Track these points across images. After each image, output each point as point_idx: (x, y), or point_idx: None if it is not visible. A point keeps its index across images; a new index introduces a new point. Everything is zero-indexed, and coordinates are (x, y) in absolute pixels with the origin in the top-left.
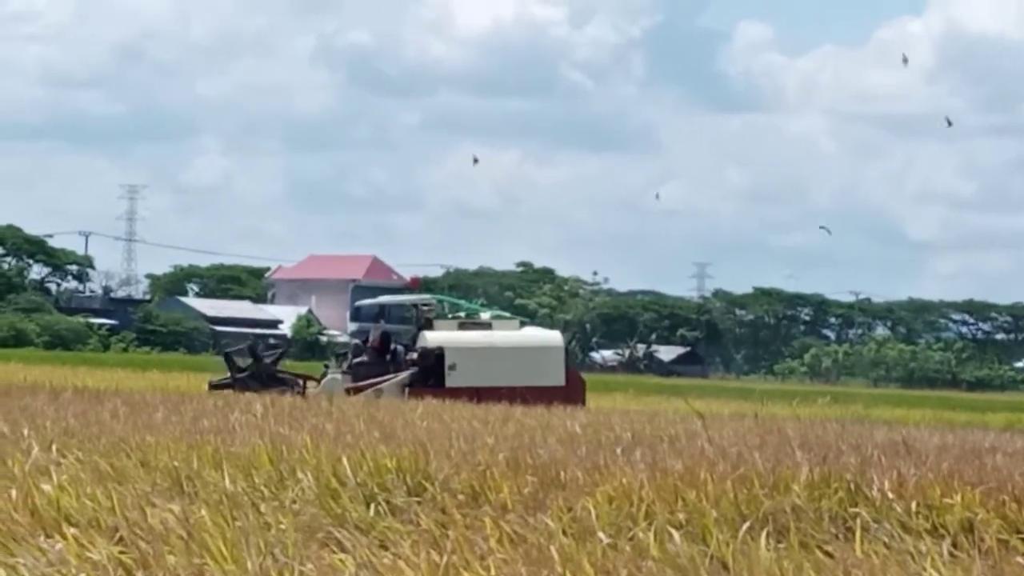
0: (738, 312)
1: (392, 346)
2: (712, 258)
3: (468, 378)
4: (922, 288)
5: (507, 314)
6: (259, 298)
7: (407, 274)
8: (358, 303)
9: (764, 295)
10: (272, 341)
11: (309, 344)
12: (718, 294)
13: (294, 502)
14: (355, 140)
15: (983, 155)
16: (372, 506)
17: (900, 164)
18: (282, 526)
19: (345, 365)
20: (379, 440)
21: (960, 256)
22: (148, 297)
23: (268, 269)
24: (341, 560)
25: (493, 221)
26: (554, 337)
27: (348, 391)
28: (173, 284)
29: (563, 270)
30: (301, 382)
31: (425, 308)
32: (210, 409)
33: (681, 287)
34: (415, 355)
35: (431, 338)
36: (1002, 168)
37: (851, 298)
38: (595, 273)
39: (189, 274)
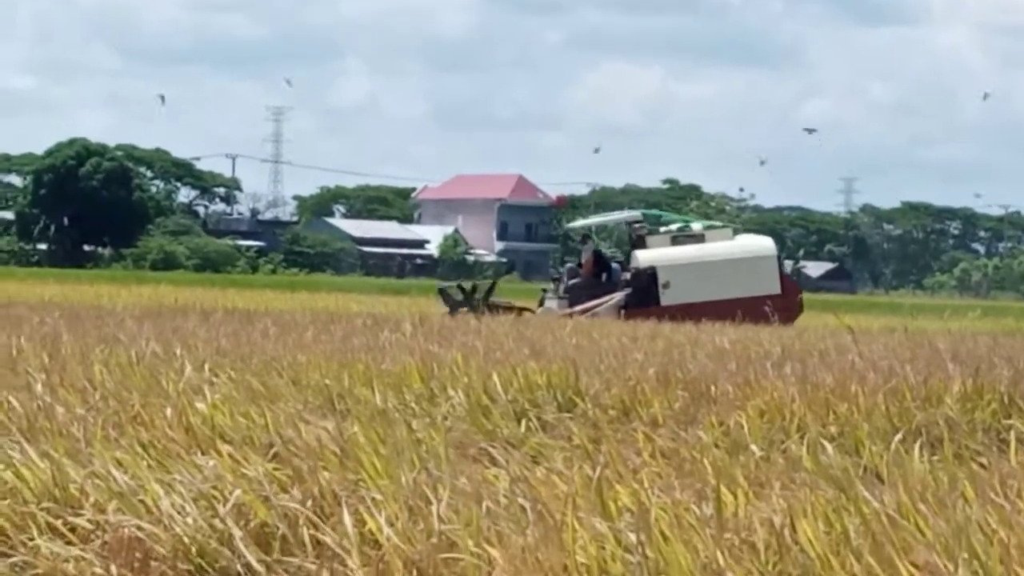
0: (886, 227)
1: (606, 266)
2: (859, 173)
3: (682, 295)
4: None
5: (719, 223)
6: (405, 218)
7: (553, 193)
8: (569, 225)
9: (912, 209)
10: (418, 261)
11: (456, 264)
12: (865, 209)
13: (445, 418)
14: (498, 60)
15: None
16: (523, 422)
17: None
18: (434, 442)
19: (561, 289)
20: (529, 357)
21: None
22: (295, 219)
23: (414, 189)
24: (495, 475)
25: (638, 139)
26: (767, 245)
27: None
28: (320, 205)
29: (709, 187)
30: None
31: (636, 225)
32: (360, 328)
33: (828, 203)
34: (628, 275)
35: (642, 257)
36: None
37: (1000, 211)
38: (741, 189)
39: (335, 195)
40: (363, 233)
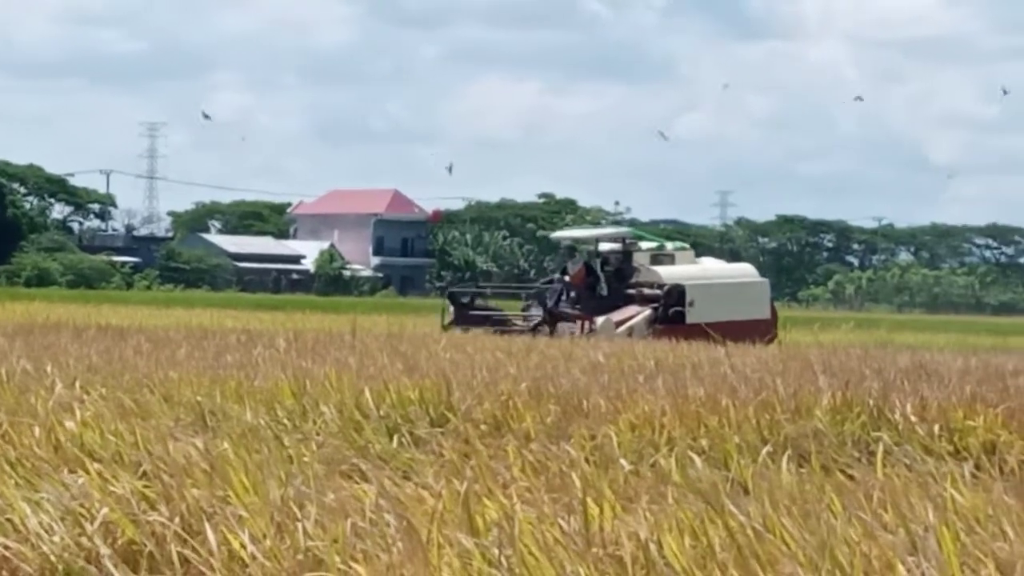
0: (761, 240)
1: (592, 276)
2: (735, 187)
3: (704, 314)
4: (945, 213)
5: (686, 245)
6: (281, 234)
7: (429, 207)
8: (555, 234)
9: (787, 222)
10: (294, 276)
11: (332, 278)
12: (741, 222)
13: (317, 434)
14: (375, 74)
15: (1005, 77)
16: (395, 437)
17: (921, 88)
18: (304, 458)
19: (555, 302)
20: (402, 372)
21: (983, 180)
22: (170, 234)
23: (290, 204)
24: (363, 490)
25: (514, 153)
26: (755, 271)
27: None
28: (195, 221)
29: (585, 200)
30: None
31: (628, 242)
32: (233, 344)
33: (704, 216)
34: (647, 290)
35: (665, 274)
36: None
37: (874, 224)
38: (617, 203)
39: (211, 211)
40: (239, 248)
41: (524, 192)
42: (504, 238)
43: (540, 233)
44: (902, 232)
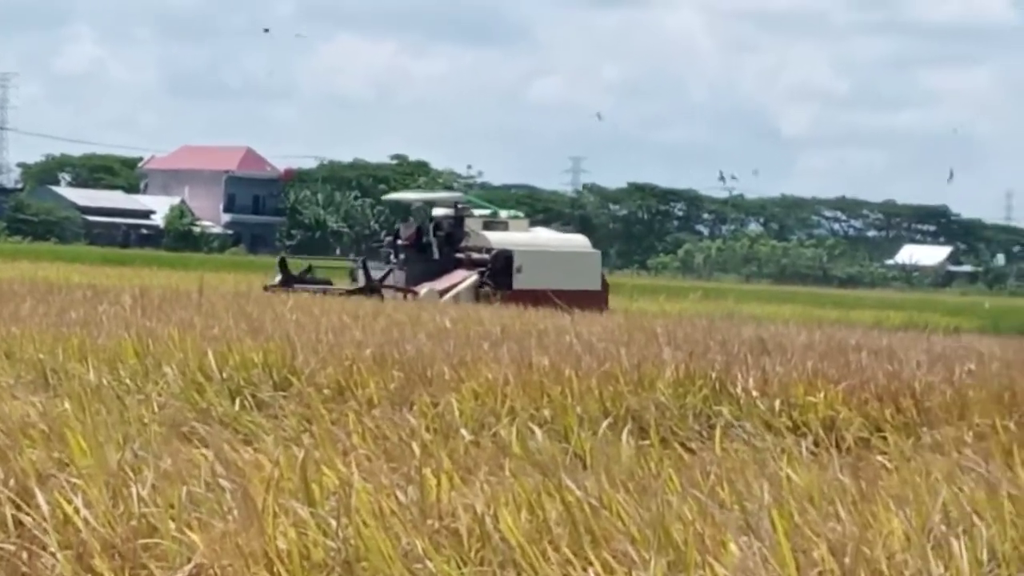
0: (612, 207)
1: (424, 240)
2: (587, 153)
3: (531, 281)
4: (795, 185)
5: (520, 214)
6: (132, 188)
7: (281, 166)
8: (387, 196)
9: (638, 190)
10: (143, 232)
11: (182, 234)
12: (591, 188)
13: (159, 396)
14: (230, 29)
15: (856, 52)
16: (237, 400)
17: (775, 60)
18: (145, 420)
19: (393, 263)
20: (246, 333)
21: (832, 153)
22: (19, 186)
23: (141, 159)
24: (202, 454)
25: (367, 113)
26: (588, 243)
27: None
28: (45, 173)
29: (437, 163)
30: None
31: (460, 207)
32: (78, 301)
33: (555, 182)
34: (474, 255)
35: (495, 239)
36: (875, 66)
37: (724, 194)
38: (469, 167)
39: (61, 163)
40: (88, 202)
41: (377, 153)
42: (356, 198)
43: (385, 197)
44: (752, 203)
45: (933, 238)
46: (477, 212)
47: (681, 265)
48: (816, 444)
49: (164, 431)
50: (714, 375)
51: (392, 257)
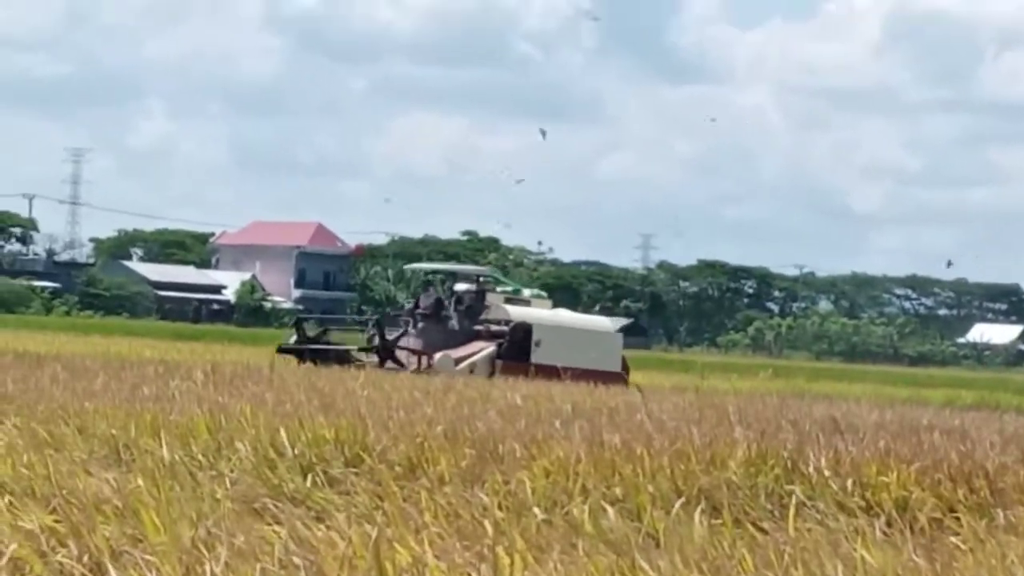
0: (682, 284)
1: (444, 313)
2: (657, 230)
3: (549, 356)
4: (866, 263)
5: (544, 293)
6: (203, 263)
7: (352, 242)
8: (409, 266)
9: (708, 267)
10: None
11: (253, 310)
12: (662, 265)
13: (231, 472)
14: (301, 106)
15: (928, 130)
16: (309, 477)
17: (846, 138)
18: (217, 497)
19: (410, 332)
20: (318, 410)
21: (904, 231)
22: (92, 261)
23: (212, 234)
24: (274, 531)
25: (438, 189)
26: (610, 325)
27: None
28: (117, 248)
29: (508, 239)
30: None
31: (482, 280)
32: (150, 376)
33: (626, 258)
34: (493, 327)
35: (515, 312)
36: (947, 143)
37: (795, 271)
38: (540, 243)
39: (133, 238)
40: (160, 277)
41: (448, 229)
42: (425, 274)
43: (408, 267)
44: (822, 281)
45: (1004, 316)
46: (499, 288)
47: (751, 343)
48: (889, 524)
49: (237, 508)
50: (786, 454)
51: (411, 326)
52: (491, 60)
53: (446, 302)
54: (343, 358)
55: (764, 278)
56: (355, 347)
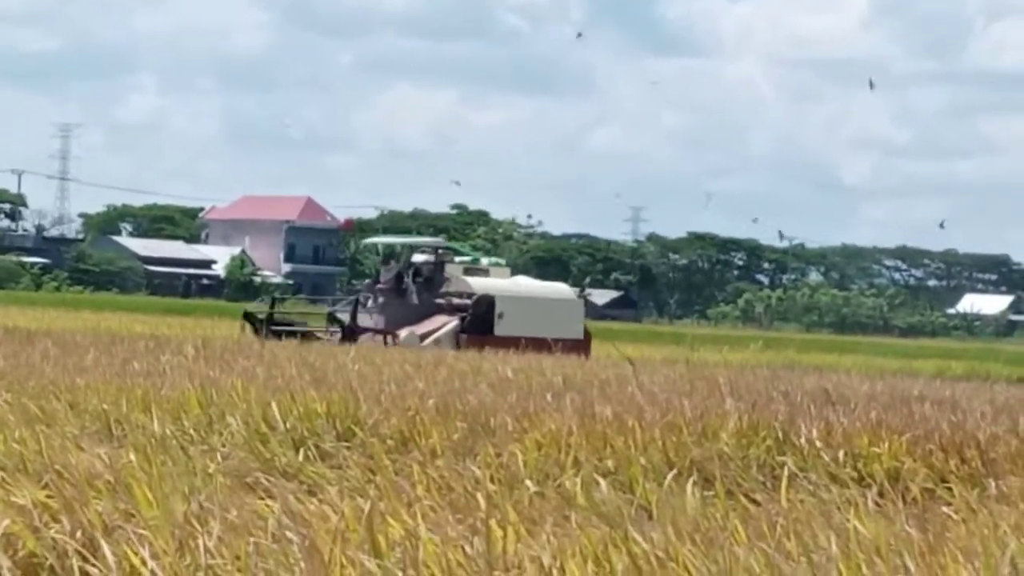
0: (672, 256)
1: (403, 285)
2: (647, 202)
3: (512, 328)
4: (855, 234)
5: (502, 261)
6: (193, 238)
7: (341, 215)
8: (367, 240)
9: (698, 240)
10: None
11: (243, 284)
12: (652, 238)
13: (223, 446)
14: (290, 80)
15: (917, 102)
16: (301, 451)
17: (835, 110)
18: (209, 471)
19: (371, 307)
20: (310, 384)
21: (893, 202)
22: (81, 236)
23: (202, 209)
24: (267, 506)
25: (427, 163)
26: (571, 291)
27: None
28: (106, 223)
29: (497, 213)
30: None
31: (441, 251)
32: (141, 351)
33: (615, 231)
34: (455, 300)
35: (477, 285)
36: (935, 115)
37: (785, 244)
38: (529, 216)
39: (122, 213)
40: (149, 252)
41: (437, 203)
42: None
43: (365, 241)
44: (812, 252)
45: (994, 287)
46: (458, 259)
47: (741, 315)
48: (881, 495)
49: (229, 482)
50: (778, 426)
51: (371, 301)
52: (479, 33)
53: (405, 276)
54: (305, 335)
55: (754, 250)
56: (319, 328)
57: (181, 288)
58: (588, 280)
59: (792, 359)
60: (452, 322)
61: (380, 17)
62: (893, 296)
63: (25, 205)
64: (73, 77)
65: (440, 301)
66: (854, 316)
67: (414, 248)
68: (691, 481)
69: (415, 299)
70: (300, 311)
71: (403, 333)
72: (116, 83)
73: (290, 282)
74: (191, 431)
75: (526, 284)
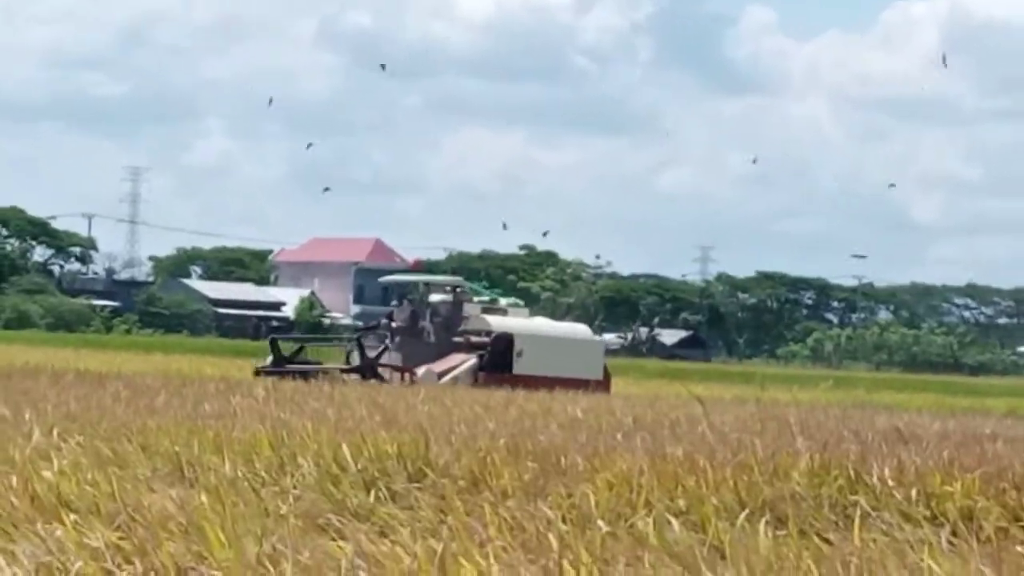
0: (741, 296)
1: (420, 324)
2: (715, 242)
3: (531, 366)
4: (925, 272)
5: (520, 302)
6: (262, 280)
7: (410, 257)
8: (384, 279)
9: (767, 279)
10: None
11: (312, 326)
12: (721, 278)
13: (294, 488)
14: (358, 122)
15: (987, 139)
16: (372, 492)
17: (904, 148)
18: (281, 512)
19: (389, 345)
20: (380, 425)
21: (963, 240)
22: (151, 279)
23: (271, 251)
24: (339, 547)
25: (496, 204)
26: (590, 332)
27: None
28: (176, 266)
29: (566, 253)
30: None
31: (459, 291)
32: (212, 393)
33: (684, 271)
34: (473, 338)
35: (495, 323)
36: (1006, 152)
37: (854, 282)
38: (598, 256)
39: (192, 256)
40: (219, 295)
41: (506, 244)
42: (485, 288)
43: (382, 279)
44: (882, 291)
45: None
46: (476, 299)
47: (811, 354)
48: (955, 534)
49: (301, 523)
50: (849, 465)
51: (388, 340)
52: (547, 74)
53: (421, 314)
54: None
55: (823, 289)
56: (336, 365)
57: (251, 330)
58: (657, 320)
59: (862, 398)
60: (470, 360)
61: (447, 59)
62: (963, 334)
63: (95, 248)
64: (142, 121)
65: (458, 339)
66: (924, 354)
67: (431, 286)
68: (763, 521)
69: (432, 338)
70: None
71: (421, 370)
72: (184, 127)
73: (359, 323)
74: (262, 473)
75: (545, 324)
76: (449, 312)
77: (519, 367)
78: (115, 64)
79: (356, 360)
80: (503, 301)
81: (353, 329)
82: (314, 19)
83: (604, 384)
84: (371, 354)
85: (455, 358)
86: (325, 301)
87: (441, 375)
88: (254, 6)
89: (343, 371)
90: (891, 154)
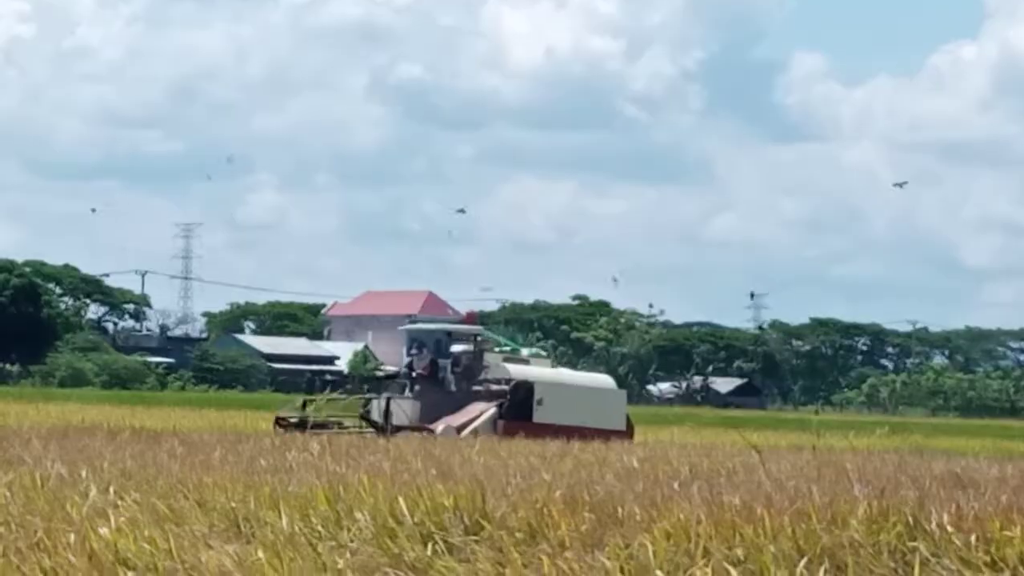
0: (795, 343)
1: (440, 374)
2: (768, 289)
3: (552, 415)
4: (979, 316)
5: (543, 352)
6: (315, 335)
7: (463, 309)
8: (404, 327)
9: (821, 325)
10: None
11: (366, 380)
12: (774, 325)
13: (351, 542)
14: (409, 174)
15: None
16: (429, 545)
17: (956, 191)
18: (339, 566)
19: (408, 394)
20: (436, 478)
21: (1017, 283)
22: (204, 335)
23: (324, 305)
24: None
25: (548, 254)
26: (612, 382)
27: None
28: (229, 322)
29: (618, 303)
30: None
31: (479, 339)
32: (267, 448)
33: (737, 318)
34: (493, 386)
35: (515, 371)
36: None
37: (908, 327)
38: (651, 305)
39: (245, 311)
40: (273, 349)
41: (558, 294)
42: (537, 340)
43: (402, 328)
44: (936, 336)
45: None
46: (497, 349)
47: (866, 400)
48: None
49: None
50: (908, 511)
51: (407, 390)
52: (598, 123)
53: (441, 363)
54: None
55: (877, 335)
56: (353, 424)
57: (305, 385)
58: (711, 368)
59: (919, 443)
60: (490, 410)
61: (497, 109)
62: (1019, 378)
63: (149, 305)
64: (194, 178)
65: (478, 388)
66: (980, 399)
67: (452, 336)
68: (822, 569)
69: (452, 387)
70: (334, 412)
71: (439, 427)
72: (236, 182)
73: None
74: (319, 527)
75: (567, 374)
76: (470, 361)
77: (539, 415)
78: (166, 121)
79: (375, 414)
80: (525, 351)
81: (373, 379)
82: (365, 72)
83: (627, 434)
84: (380, 404)
85: (475, 408)
86: (379, 354)
87: (460, 429)
88: (304, 60)
89: (362, 431)
90: (944, 197)
